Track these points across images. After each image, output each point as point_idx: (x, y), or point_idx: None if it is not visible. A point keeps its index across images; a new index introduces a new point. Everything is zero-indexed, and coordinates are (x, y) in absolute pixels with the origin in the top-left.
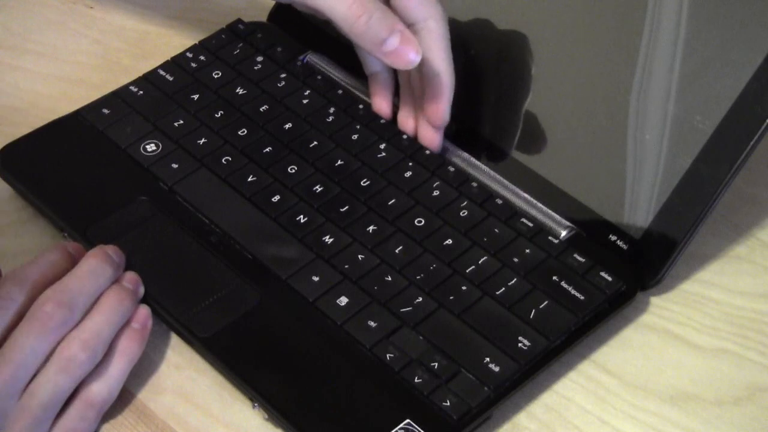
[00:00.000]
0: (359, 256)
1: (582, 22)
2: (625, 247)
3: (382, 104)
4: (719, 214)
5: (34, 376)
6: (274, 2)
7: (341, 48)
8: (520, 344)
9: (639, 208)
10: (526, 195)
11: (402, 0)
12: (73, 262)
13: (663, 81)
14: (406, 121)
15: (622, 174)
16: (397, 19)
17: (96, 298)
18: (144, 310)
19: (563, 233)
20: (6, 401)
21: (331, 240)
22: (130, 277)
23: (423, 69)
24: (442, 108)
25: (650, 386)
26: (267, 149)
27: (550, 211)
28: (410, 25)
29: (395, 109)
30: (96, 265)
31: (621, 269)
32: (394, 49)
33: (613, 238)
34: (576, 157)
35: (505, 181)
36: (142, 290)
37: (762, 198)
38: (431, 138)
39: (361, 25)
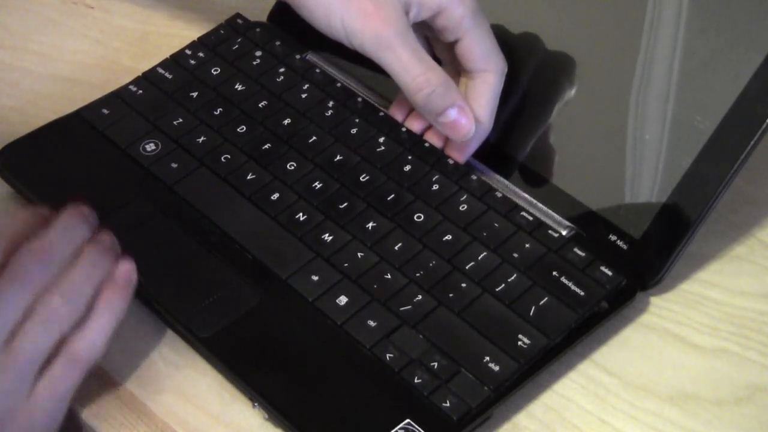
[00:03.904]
0: (358, 254)
1: (581, 21)
2: (625, 247)
3: (397, 113)
4: (719, 214)
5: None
6: (275, 1)
7: (342, 49)
8: (520, 343)
9: (639, 208)
10: (526, 195)
11: (467, 50)
12: (46, 223)
13: (663, 81)
14: (412, 122)
15: (622, 174)
16: (458, 95)
17: (74, 255)
18: (127, 265)
19: (563, 233)
20: None
21: (331, 238)
22: (106, 236)
23: None
24: (465, 152)
25: (650, 386)
26: (266, 146)
27: (550, 211)
28: (468, 73)
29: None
30: (72, 221)
31: (621, 269)
32: (449, 122)
33: (613, 238)
34: (576, 157)
35: (505, 182)
36: (118, 248)
37: (762, 198)
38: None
39: (421, 98)
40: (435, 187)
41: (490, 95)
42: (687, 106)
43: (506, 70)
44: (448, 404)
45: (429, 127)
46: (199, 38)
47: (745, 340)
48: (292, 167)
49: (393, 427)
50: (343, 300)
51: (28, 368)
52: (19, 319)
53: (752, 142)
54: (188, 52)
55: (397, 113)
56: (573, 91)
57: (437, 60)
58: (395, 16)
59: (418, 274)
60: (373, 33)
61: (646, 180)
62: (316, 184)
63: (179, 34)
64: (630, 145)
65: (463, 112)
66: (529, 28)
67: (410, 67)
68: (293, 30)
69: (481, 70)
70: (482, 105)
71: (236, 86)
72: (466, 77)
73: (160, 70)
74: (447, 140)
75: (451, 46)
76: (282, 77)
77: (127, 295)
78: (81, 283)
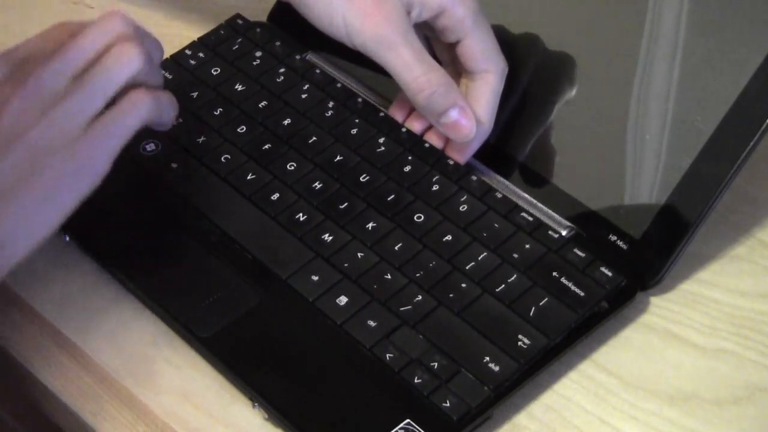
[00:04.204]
0: (359, 254)
1: (582, 22)
2: (625, 247)
3: (397, 113)
4: (719, 214)
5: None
6: (275, 1)
7: (342, 49)
8: (519, 343)
9: (639, 208)
10: (526, 195)
11: (468, 50)
12: None
13: (663, 81)
14: (413, 123)
15: (622, 174)
16: (459, 95)
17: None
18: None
19: (563, 233)
20: (58, 79)
21: (331, 238)
22: None
23: None
24: (466, 153)
25: (650, 386)
26: (266, 146)
27: (550, 211)
28: (469, 73)
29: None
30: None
31: (621, 269)
32: (451, 123)
33: (613, 238)
34: (576, 157)
35: (505, 181)
36: None
37: (762, 198)
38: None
39: (423, 98)
40: (435, 187)
41: (490, 96)
42: (687, 106)
43: (507, 70)
44: (448, 404)
45: (429, 127)
46: (199, 38)
47: (744, 340)
48: (292, 167)
49: (393, 427)
50: (343, 300)
51: (91, 97)
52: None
53: (752, 142)
54: (188, 52)
55: (397, 113)
56: (573, 91)
57: (437, 60)
58: (397, 15)
59: (418, 274)
60: (374, 32)
61: (646, 180)
62: (316, 184)
63: (179, 34)
64: (630, 145)
65: (464, 112)
66: (530, 28)
67: (412, 66)
68: (293, 30)
69: (481, 71)
70: (483, 106)
71: (236, 86)
72: (466, 78)
73: None
74: (447, 141)
75: (452, 46)
76: (282, 77)
77: (175, 107)
78: (151, 50)
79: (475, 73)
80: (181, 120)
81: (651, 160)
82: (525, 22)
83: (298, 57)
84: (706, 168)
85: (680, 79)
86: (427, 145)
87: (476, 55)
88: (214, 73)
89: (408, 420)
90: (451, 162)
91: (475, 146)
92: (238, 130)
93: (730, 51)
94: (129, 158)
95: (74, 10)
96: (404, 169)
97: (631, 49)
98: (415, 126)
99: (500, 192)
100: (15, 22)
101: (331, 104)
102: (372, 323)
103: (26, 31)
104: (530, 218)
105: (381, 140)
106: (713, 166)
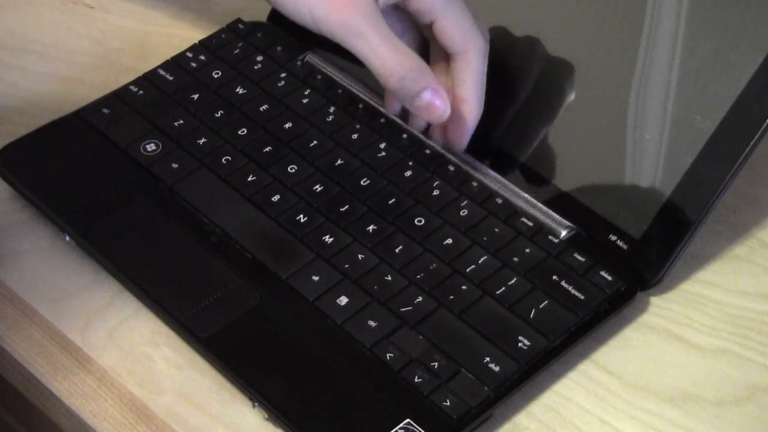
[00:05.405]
0: (359, 256)
1: (581, 21)
2: (625, 247)
3: (395, 103)
4: (719, 214)
5: None
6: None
7: (341, 48)
8: (520, 344)
9: (639, 208)
10: (526, 195)
11: (446, 30)
12: None
13: (663, 81)
14: (413, 121)
15: (622, 174)
16: (431, 77)
17: None
18: None
19: (563, 233)
20: None
21: (331, 239)
22: None
23: (454, 96)
24: (463, 135)
25: (650, 386)
26: (267, 149)
27: (550, 211)
28: (450, 55)
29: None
30: None
31: (621, 269)
32: (424, 104)
33: (613, 238)
34: (576, 156)
35: (505, 181)
36: None
37: (762, 198)
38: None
39: (394, 82)
40: (436, 192)
41: (474, 76)
42: (687, 106)
43: (488, 49)
44: (448, 404)
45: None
46: (200, 41)
47: (745, 340)
48: (293, 170)
49: (393, 427)
50: (343, 300)
51: None
52: None
53: (752, 142)
54: (189, 54)
55: (397, 106)
56: (573, 92)
57: (426, 46)
58: (363, 1)
59: (418, 276)
60: (340, 19)
61: (646, 180)
62: (316, 187)
63: (180, 34)
64: (630, 145)
65: (437, 94)
66: (530, 29)
67: (381, 52)
68: (293, 29)
69: (461, 51)
70: (469, 85)
71: (237, 89)
72: (451, 60)
73: (161, 72)
74: (446, 128)
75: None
76: (283, 82)
77: None
78: None
79: (455, 53)
80: (182, 121)
81: (651, 160)
82: (525, 23)
83: (299, 62)
84: (706, 168)
85: (680, 79)
86: (428, 151)
87: (452, 35)
88: (215, 76)
89: (408, 420)
90: (452, 168)
91: (471, 128)
92: (239, 132)
93: (730, 51)
94: (129, 158)
95: (74, 10)
96: (405, 174)
97: (631, 49)
98: (414, 123)
99: (500, 197)
100: (15, 22)
101: (332, 109)
102: (372, 323)
103: (26, 31)
104: (530, 223)
105: (382, 146)
106: (713, 166)
